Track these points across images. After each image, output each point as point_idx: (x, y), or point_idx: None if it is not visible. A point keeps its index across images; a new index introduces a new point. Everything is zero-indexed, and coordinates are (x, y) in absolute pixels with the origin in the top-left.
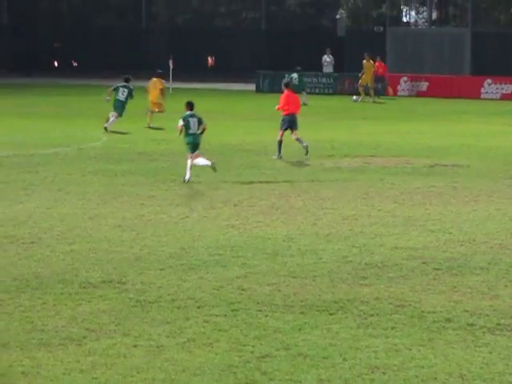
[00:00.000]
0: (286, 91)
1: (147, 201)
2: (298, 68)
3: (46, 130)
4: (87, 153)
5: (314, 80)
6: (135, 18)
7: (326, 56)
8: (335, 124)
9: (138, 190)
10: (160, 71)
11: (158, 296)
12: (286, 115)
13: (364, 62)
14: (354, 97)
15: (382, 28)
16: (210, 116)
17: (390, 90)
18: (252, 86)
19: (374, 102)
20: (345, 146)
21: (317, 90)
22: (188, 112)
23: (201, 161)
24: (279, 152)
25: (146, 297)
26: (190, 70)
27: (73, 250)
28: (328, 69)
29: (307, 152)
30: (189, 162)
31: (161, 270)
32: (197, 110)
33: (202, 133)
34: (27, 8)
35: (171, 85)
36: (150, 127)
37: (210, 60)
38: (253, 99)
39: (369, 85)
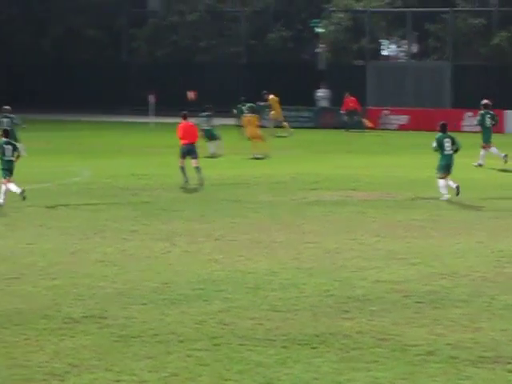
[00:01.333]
0: (182, 122)
1: (129, 235)
2: (242, 98)
3: (25, 166)
4: (69, 188)
5: (295, 114)
6: (116, 53)
7: (319, 90)
8: (317, 157)
9: (120, 224)
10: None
11: (141, 331)
12: (182, 145)
13: (268, 98)
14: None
15: (362, 61)
16: None
17: (367, 122)
18: (232, 120)
19: (292, 135)
20: (327, 179)
21: (297, 124)
22: (3, 139)
23: (13, 187)
24: (184, 176)
25: (128, 332)
26: (171, 104)
27: (55, 286)
28: (323, 103)
29: (202, 184)
30: (3, 187)
31: (143, 304)
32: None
33: (16, 159)
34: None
35: (152, 120)
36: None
37: (190, 94)
38: (233, 133)
39: (279, 119)
